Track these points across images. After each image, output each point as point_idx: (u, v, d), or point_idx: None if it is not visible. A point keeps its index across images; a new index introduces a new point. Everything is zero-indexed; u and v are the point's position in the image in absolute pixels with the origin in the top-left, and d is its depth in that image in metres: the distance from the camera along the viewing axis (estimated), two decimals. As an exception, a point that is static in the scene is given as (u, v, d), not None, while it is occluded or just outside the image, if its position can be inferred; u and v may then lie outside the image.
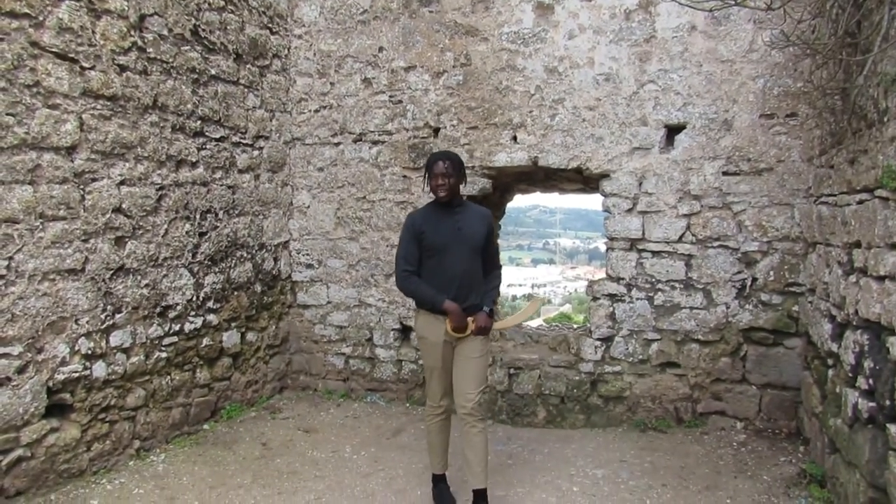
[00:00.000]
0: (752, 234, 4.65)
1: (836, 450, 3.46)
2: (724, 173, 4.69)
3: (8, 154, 3.47)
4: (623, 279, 4.96)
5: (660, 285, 4.87)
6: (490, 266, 3.70)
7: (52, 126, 3.70)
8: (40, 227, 3.67)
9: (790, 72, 4.53)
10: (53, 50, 3.69)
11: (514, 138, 5.19)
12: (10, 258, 3.51)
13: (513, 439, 4.75)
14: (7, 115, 3.45)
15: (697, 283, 4.78)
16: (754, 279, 4.65)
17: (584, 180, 5.45)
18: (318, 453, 4.47)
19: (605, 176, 4.99)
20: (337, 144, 5.72)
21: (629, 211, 4.92)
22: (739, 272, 4.68)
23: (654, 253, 4.89)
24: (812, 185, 4.39)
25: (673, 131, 4.83)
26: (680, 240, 4.82)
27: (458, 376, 3.54)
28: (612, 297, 4.99)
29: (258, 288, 5.51)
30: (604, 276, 5.14)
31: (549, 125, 5.08)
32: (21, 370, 3.58)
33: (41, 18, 3.62)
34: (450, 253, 3.49)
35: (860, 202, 3.20)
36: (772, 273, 4.61)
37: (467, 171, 5.25)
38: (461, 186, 3.65)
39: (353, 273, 5.72)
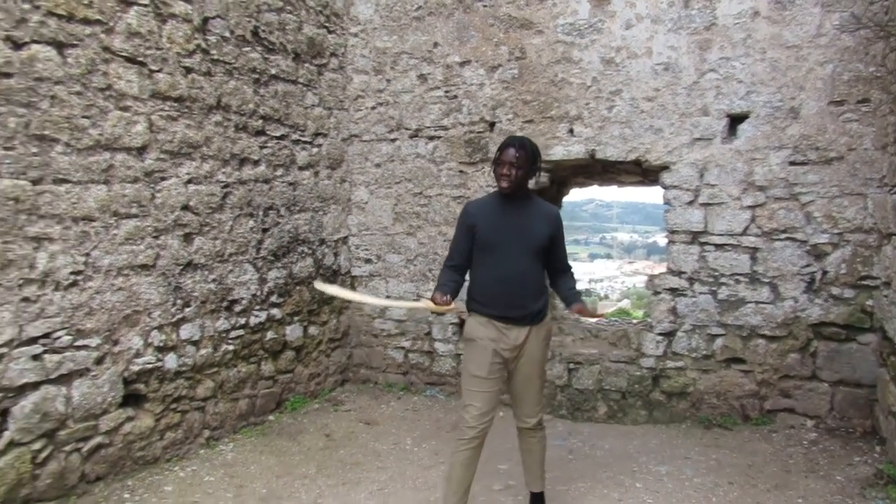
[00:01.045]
0: (821, 226, 4.49)
1: (914, 448, 3.33)
2: (791, 163, 4.55)
3: (84, 155, 3.63)
4: (685, 273, 4.87)
5: (723, 279, 4.76)
6: (560, 268, 3.34)
7: (123, 127, 3.85)
8: (114, 224, 3.83)
9: (861, 56, 4.35)
10: (123, 54, 3.84)
11: (571, 131, 5.14)
12: (88, 254, 3.67)
13: (573, 434, 4.73)
14: (83, 117, 3.61)
15: (763, 276, 4.65)
16: (824, 272, 4.49)
17: (643, 173, 5.37)
18: (379, 445, 4.54)
19: (664, 168, 4.90)
20: (393, 140, 5.78)
21: (690, 203, 4.82)
22: (808, 265, 4.53)
23: (718, 246, 4.78)
24: (886, 174, 4.21)
25: (736, 121, 4.71)
26: (744, 232, 4.70)
27: (521, 393, 3.26)
28: (674, 292, 4.90)
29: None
30: (664, 270, 5.05)
31: (606, 117, 5.02)
32: (99, 361, 3.75)
33: (112, 24, 3.76)
34: (505, 251, 3.12)
35: (939, 190, 3.07)
36: (843, 266, 4.45)
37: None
38: (532, 181, 3.27)
39: (411, 268, 5.77)
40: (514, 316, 3.13)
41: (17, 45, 3.28)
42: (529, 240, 3.15)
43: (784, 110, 4.55)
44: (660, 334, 4.91)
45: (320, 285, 3.92)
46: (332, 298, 5.76)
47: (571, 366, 5.13)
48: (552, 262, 3.29)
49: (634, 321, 6.47)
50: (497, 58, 5.34)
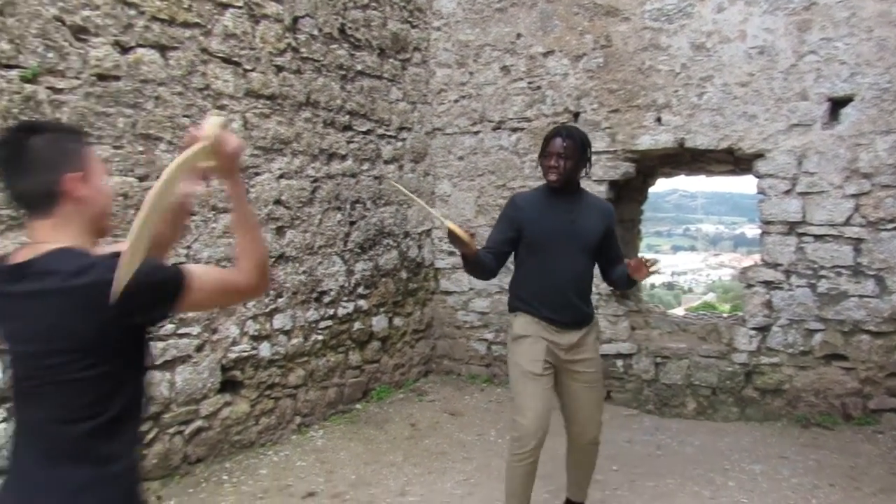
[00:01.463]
0: (933, 215, 4.22)
1: None
2: (899, 148, 4.29)
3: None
4: (781, 265, 4.67)
5: (823, 272, 4.54)
6: (614, 260, 3.13)
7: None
8: (213, 218, 4.00)
9: (980, 32, 4.06)
10: (220, 55, 4.00)
11: (659, 120, 5.01)
12: (189, 247, 3.86)
13: (661, 430, 4.63)
14: (183, 116, 3.79)
15: (868, 269, 4.41)
16: (936, 264, 4.23)
17: (735, 161, 5.18)
18: (464, 436, 4.58)
19: (759, 156, 4.71)
20: (476, 133, 5.79)
21: (787, 192, 4.62)
22: (918, 256, 4.27)
23: (817, 237, 4.56)
24: None
25: (838, 105, 4.47)
26: (847, 222, 4.46)
27: (581, 403, 3.04)
28: (769, 285, 4.71)
29: (403, 275, 5.71)
30: (755, 262, 4.86)
31: (696, 104, 4.86)
32: (199, 348, 3.94)
33: (209, 27, 3.93)
34: (556, 251, 2.93)
35: None
36: (957, 257, 4.17)
37: (609, 156, 5.16)
38: (582, 172, 3.06)
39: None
40: (567, 320, 2.98)
41: (125, 49, 3.47)
42: (583, 239, 2.97)
43: (892, 92, 4.29)
44: (753, 329, 4.74)
45: (396, 184, 3.69)
46: (416, 290, 5.84)
47: (658, 360, 5.02)
48: (606, 256, 3.11)
49: (724, 315, 6.27)
50: (581, 47, 5.26)
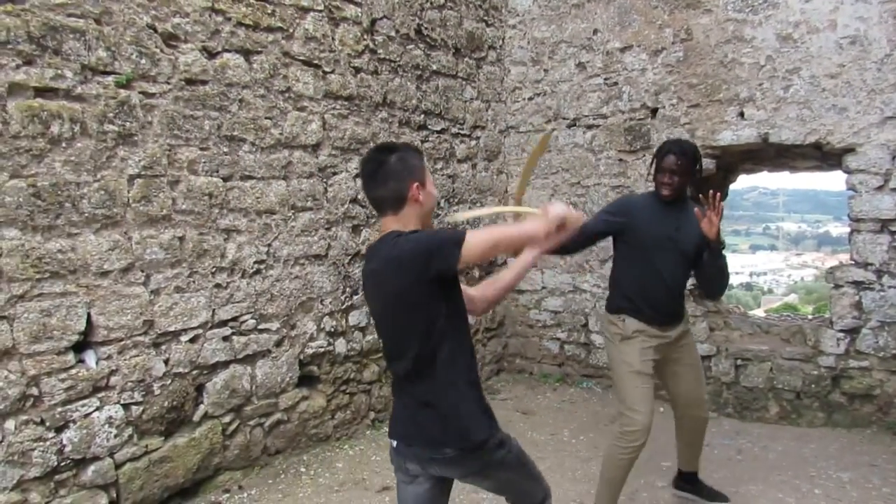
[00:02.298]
0: None
1: None
2: None
3: (267, 153, 3.95)
4: (872, 265, 4.45)
5: (919, 272, 4.31)
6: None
7: (300, 126, 4.14)
8: (292, 217, 4.12)
9: None
10: (301, 58, 4.12)
11: (741, 114, 4.86)
12: (269, 245, 3.99)
13: (741, 434, 4.49)
14: (266, 118, 3.92)
15: None
16: None
17: (822, 157, 4.96)
18: (536, 435, 4.57)
19: (849, 150, 4.50)
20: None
21: (880, 188, 4.40)
22: None
23: (912, 235, 4.33)
24: None
25: (936, 96, 4.23)
26: (944, 220, 4.22)
27: (692, 382, 3.29)
28: (859, 285, 4.49)
29: (476, 273, 5.73)
30: (843, 261, 4.65)
31: (781, 98, 4.69)
32: (278, 344, 4.07)
33: (291, 30, 4.05)
34: (664, 258, 3.09)
35: None
36: None
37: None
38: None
39: (568, 259, 5.72)
40: (670, 318, 3.20)
41: (211, 55, 3.62)
42: (685, 245, 3.11)
43: None
44: (841, 331, 4.53)
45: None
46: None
47: (739, 362, 4.87)
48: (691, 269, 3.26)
49: (809, 317, 6.03)
50: (660, 41, 5.15)
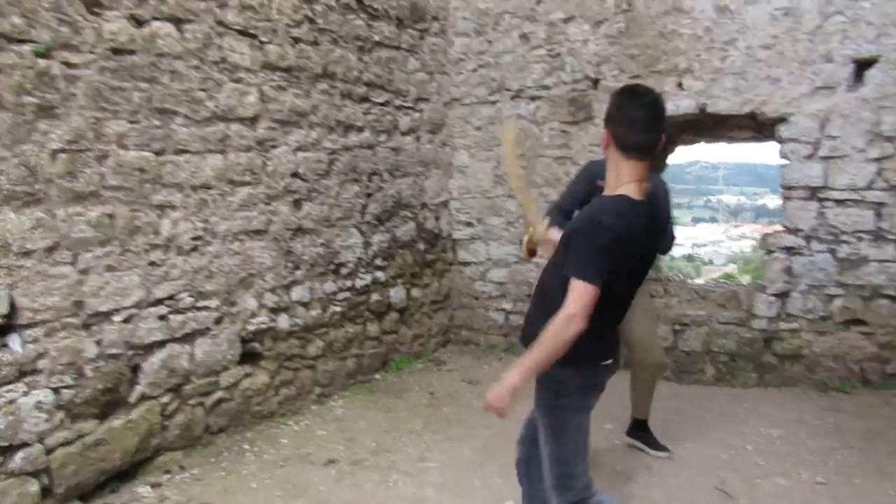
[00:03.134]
0: (958, 178, 4.14)
1: None
2: (925, 111, 4.19)
3: (202, 126, 3.82)
4: (802, 231, 4.61)
5: (844, 237, 4.49)
6: None
7: (237, 98, 4.02)
8: (230, 191, 4.02)
9: None
10: (236, 27, 3.98)
11: (680, 85, 4.94)
12: (206, 220, 3.89)
13: (679, 396, 4.63)
14: (200, 90, 3.79)
15: (889, 233, 4.35)
16: (960, 228, 4.15)
17: (757, 127, 5.08)
18: (481, 404, 4.60)
19: (781, 120, 4.63)
20: (494, 103, 5.74)
21: (809, 157, 4.54)
22: (942, 221, 4.20)
23: (838, 202, 4.50)
24: None
25: (862, 66, 4.38)
26: (869, 186, 4.39)
27: (644, 334, 3.55)
28: (790, 251, 4.66)
29: (421, 246, 5.72)
30: (777, 229, 4.81)
31: (718, 69, 4.78)
32: (218, 321, 3.99)
33: (225, -2, 3.91)
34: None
35: None
36: (983, 221, 4.09)
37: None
38: None
39: (512, 230, 5.76)
40: None
41: (140, 23, 3.47)
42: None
43: (918, 53, 4.18)
44: (773, 295, 4.70)
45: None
46: (433, 261, 5.85)
47: (678, 327, 5.01)
48: None
49: (745, 283, 6.23)
50: (603, 12, 5.17)
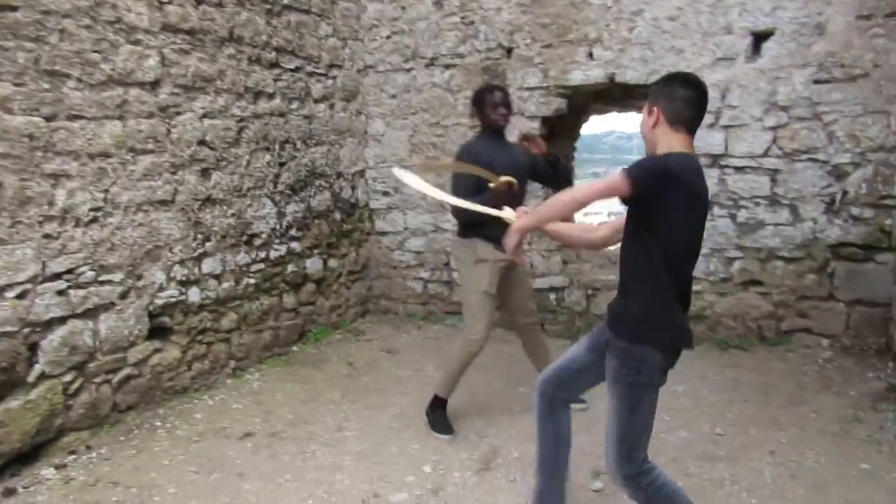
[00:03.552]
0: (843, 146, 4.39)
1: (931, 364, 3.35)
2: (815, 81, 4.42)
3: (97, 90, 3.63)
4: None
5: (743, 202, 4.71)
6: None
7: (135, 62, 3.83)
8: (131, 160, 3.85)
9: (892, -35, 4.17)
10: (132, -15, 3.78)
11: (590, 55, 5.02)
12: (106, 191, 3.71)
13: (591, 359, 4.78)
14: (93, 52, 3.59)
15: (783, 198, 4.59)
16: (845, 193, 4.43)
17: (663, 96, 5.24)
18: (401, 372, 4.65)
19: (685, 90, 4.78)
20: (409, 70, 5.68)
21: (711, 126, 4.72)
22: (829, 186, 4.46)
23: (737, 169, 4.71)
24: (913, 89, 4.09)
25: (760, 38, 4.56)
26: (765, 154, 4.61)
27: (524, 296, 3.80)
28: (693, 216, 4.85)
29: (337, 216, 5.65)
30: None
31: (626, 39, 4.88)
32: (123, 295, 3.84)
33: (119, -46, 3.69)
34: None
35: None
36: (864, 186, 4.37)
37: (541, 92, 5.18)
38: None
39: (429, 199, 5.76)
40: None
41: (24, -22, 3.24)
42: (523, 170, 3.58)
43: (810, 26, 4.39)
44: (678, 259, 4.89)
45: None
46: (350, 231, 5.80)
47: (590, 292, 5.16)
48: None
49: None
50: (513, -21, 5.18)
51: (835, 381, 4.09)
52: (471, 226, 3.55)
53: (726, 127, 4.69)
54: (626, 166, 2.10)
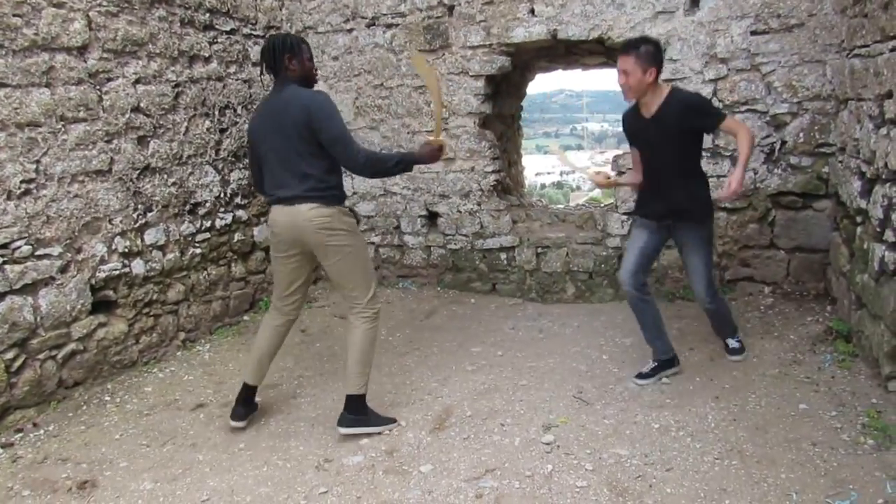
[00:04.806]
0: (781, 96, 4.48)
1: (863, 305, 3.49)
2: (753, 33, 4.47)
3: (21, 56, 3.46)
4: (648, 151, 4.86)
5: (686, 155, 4.77)
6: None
7: (60, 26, 3.66)
8: (62, 129, 3.70)
9: (825, -85, 4.22)
10: (51, -55, 3.59)
11: (532, 11, 4.98)
12: (38, 161, 3.57)
13: (543, 315, 4.86)
14: (14, 16, 3.41)
15: (724, 150, 4.68)
16: (783, 142, 4.53)
17: (607, 52, 5.27)
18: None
19: (627, 45, 4.80)
20: (350, 31, 5.56)
21: (653, 80, 4.76)
22: (768, 136, 4.56)
23: (680, 122, 4.76)
24: (845, 38, 4.17)
25: (698, -9, 4.59)
26: (706, 107, 4.67)
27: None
28: (637, 170, 4.91)
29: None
30: (628, 150, 5.05)
31: (567, -6, 4.86)
32: (63, 269, 3.73)
33: (34, -88, 3.49)
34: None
35: (893, 49, 3.06)
36: (801, 135, 4.48)
37: (484, 50, 5.13)
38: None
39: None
40: None
41: (-70, -62, 3.05)
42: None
43: (746, -23, 4.43)
44: (625, 213, 4.97)
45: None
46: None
47: (540, 250, 5.21)
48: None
49: (601, 204, 6.55)
50: (451, -65, 5.08)
51: (776, 326, 4.24)
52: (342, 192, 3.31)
53: (668, 81, 4.70)
54: (721, 112, 3.39)
